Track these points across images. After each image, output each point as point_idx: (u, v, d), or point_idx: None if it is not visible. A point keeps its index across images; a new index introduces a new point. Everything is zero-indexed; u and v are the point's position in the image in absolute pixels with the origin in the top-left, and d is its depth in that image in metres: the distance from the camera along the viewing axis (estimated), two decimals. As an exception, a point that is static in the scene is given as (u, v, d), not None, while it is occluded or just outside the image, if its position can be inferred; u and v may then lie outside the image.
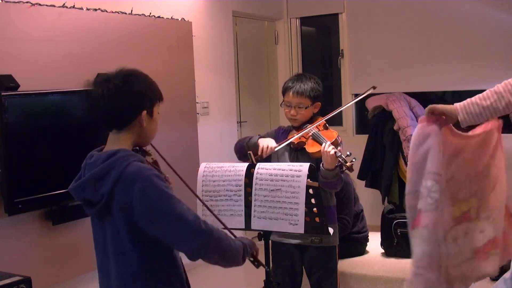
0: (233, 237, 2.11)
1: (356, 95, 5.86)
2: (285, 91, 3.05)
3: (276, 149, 2.93)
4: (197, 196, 2.35)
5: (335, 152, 2.74)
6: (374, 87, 3.12)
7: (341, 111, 5.84)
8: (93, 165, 1.94)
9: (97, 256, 2.07)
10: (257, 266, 2.22)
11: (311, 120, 3.05)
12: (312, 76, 3.07)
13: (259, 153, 2.88)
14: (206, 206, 2.33)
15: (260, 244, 2.66)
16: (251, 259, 2.18)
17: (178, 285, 2.03)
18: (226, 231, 2.13)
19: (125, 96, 1.94)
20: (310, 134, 2.95)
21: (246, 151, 2.84)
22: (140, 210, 1.87)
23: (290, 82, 3.05)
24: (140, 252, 1.93)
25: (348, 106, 5.93)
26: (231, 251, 1.99)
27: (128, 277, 1.95)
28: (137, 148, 2.02)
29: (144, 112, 1.97)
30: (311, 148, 2.91)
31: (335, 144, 2.85)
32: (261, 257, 2.60)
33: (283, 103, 3.07)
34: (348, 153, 2.78)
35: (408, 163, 2.24)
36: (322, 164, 2.81)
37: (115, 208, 1.90)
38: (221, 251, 1.96)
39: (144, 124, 1.98)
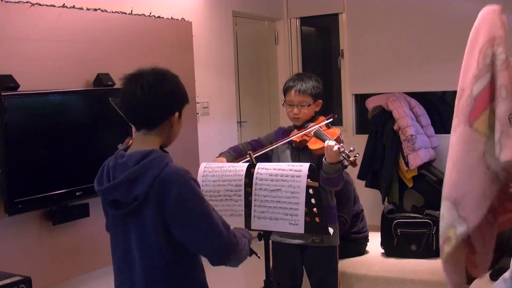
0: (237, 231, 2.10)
1: (356, 95, 5.92)
2: (286, 90, 3.06)
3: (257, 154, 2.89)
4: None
5: (338, 148, 2.74)
6: (334, 116, 3.06)
7: (341, 111, 5.91)
8: (125, 166, 1.90)
9: (115, 259, 2.03)
10: (250, 255, 2.23)
11: (312, 119, 3.06)
12: (312, 75, 3.10)
13: None
14: None
15: (260, 244, 2.66)
16: None
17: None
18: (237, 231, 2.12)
19: (160, 96, 1.93)
20: (313, 132, 2.97)
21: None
22: (174, 212, 1.86)
23: (291, 82, 3.06)
24: (168, 255, 1.92)
25: (348, 107, 5.96)
26: (245, 256, 2.07)
27: (155, 279, 1.93)
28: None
29: (177, 114, 1.97)
30: (313, 145, 2.91)
31: (338, 141, 2.86)
32: (261, 258, 2.61)
33: (285, 102, 3.07)
34: (351, 148, 2.79)
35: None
36: (325, 159, 2.81)
37: (148, 209, 1.88)
38: (239, 259, 2.03)
39: (174, 125, 1.98)
